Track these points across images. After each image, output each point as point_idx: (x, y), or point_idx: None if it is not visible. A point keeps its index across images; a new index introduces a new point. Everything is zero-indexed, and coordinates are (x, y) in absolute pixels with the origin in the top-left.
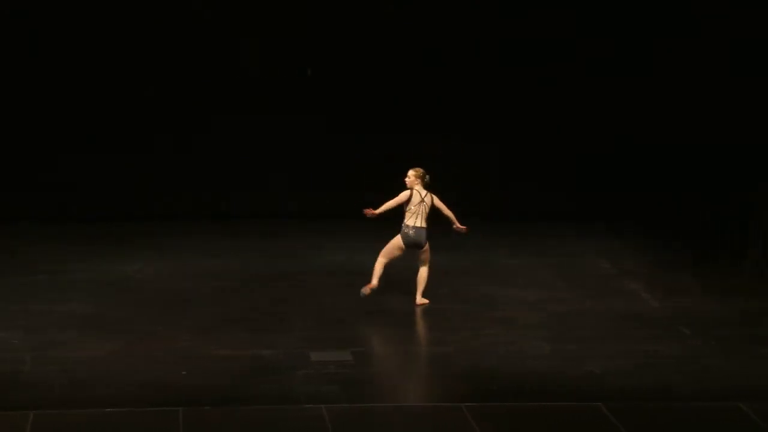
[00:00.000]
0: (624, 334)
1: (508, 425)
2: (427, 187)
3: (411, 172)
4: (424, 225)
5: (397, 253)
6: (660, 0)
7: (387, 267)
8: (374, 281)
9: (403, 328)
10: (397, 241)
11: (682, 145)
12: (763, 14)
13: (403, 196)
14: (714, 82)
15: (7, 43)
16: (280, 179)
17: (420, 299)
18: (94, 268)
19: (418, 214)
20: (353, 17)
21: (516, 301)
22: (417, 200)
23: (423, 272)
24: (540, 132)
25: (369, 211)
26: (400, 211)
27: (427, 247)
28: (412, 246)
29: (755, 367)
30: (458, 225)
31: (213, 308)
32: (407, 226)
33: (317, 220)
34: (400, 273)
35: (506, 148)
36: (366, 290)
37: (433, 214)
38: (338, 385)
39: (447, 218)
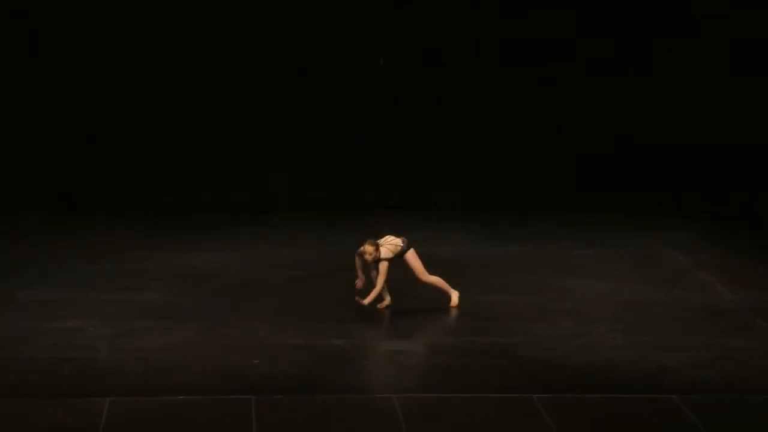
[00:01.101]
0: (698, 327)
1: (579, 417)
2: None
3: (369, 248)
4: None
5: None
6: (660, 0)
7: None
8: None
9: (472, 320)
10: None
11: (681, 145)
12: (763, 14)
13: (385, 267)
14: (714, 82)
15: (7, 43)
16: (354, 171)
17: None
18: (167, 257)
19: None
20: (353, 17)
21: (587, 292)
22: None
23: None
24: (540, 132)
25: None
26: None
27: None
28: None
29: None
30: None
31: (285, 298)
32: None
33: (388, 211)
34: (472, 264)
35: (506, 147)
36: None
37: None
38: (408, 375)
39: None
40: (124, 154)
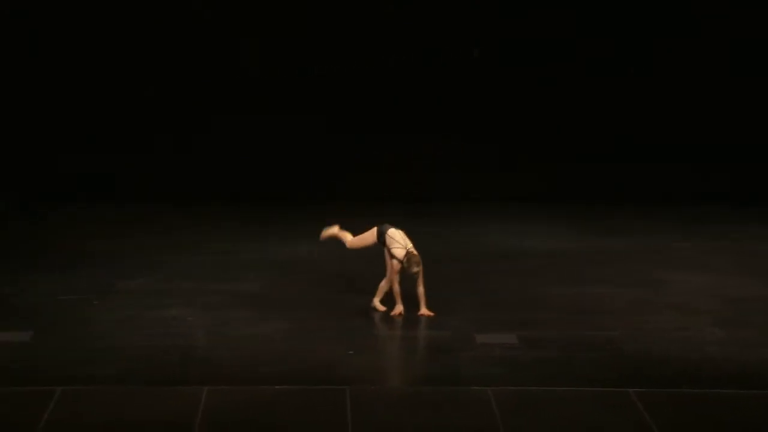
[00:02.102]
0: None
1: (677, 412)
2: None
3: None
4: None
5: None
6: (660, 0)
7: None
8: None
9: (568, 313)
10: None
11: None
12: (763, 14)
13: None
14: (714, 82)
15: (7, 43)
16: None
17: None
18: (265, 248)
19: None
20: (353, 17)
21: (688, 285)
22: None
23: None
24: (540, 132)
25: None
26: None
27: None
28: None
29: None
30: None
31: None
32: None
33: (479, 203)
34: (569, 257)
35: (506, 147)
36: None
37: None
38: (504, 367)
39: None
40: (216, 146)
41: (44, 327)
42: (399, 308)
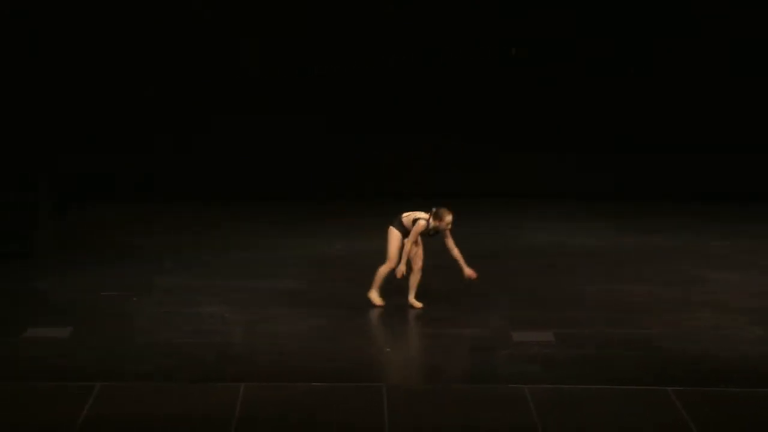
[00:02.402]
0: None
1: (716, 411)
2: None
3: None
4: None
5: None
6: (660, 0)
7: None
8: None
9: (605, 311)
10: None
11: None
12: (763, 14)
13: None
14: (714, 82)
15: (7, 43)
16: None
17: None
18: (301, 245)
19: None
20: (353, 17)
21: (727, 283)
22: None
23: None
24: (540, 132)
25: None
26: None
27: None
28: None
29: None
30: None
31: (419, 286)
32: None
33: (515, 199)
34: (609, 254)
35: (506, 148)
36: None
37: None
38: (541, 365)
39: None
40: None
41: (83, 323)
42: (402, 269)
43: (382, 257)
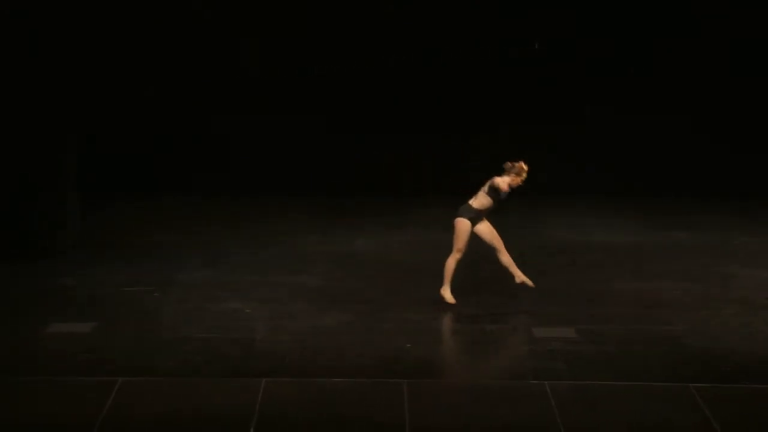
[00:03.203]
0: None
1: (740, 408)
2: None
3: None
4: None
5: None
6: (660, 0)
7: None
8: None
9: (629, 307)
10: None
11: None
12: (763, 14)
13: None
14: (714, 82)
15: (7, 43)
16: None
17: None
18: (325, 241)
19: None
20: (353, 17)
21: (752, 280)
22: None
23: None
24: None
25: None
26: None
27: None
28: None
29: None
30: None
31: (440, 282)
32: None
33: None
34: (634, 251)
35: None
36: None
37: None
38: (562, 361)
39: None
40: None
41: (106, 318)
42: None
43: (407, 252)
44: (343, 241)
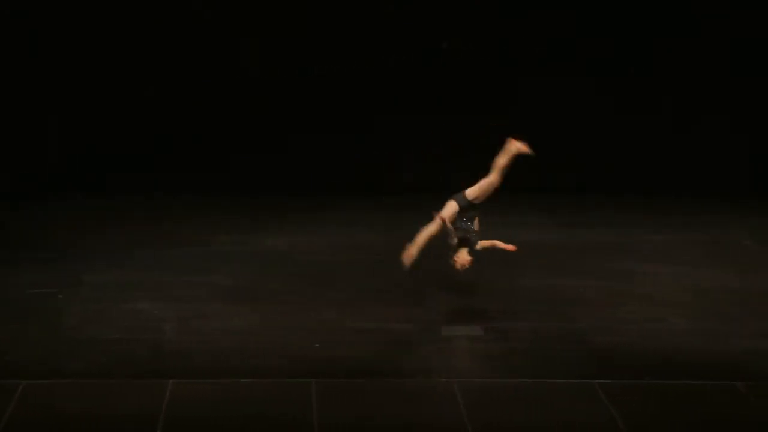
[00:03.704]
0: (766, 313)
1: (642, 403)
2: None
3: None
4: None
5: None
6: (660, 0)
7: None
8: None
9: (535, 304)
10: None
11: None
12: (763, 14)
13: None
14: (714, 82)
15: (7, 43)
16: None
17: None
18: (239, 240)
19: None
20: (353, 17)
21: (656, 277)
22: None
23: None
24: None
25: None
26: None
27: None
28: None
29: None
30: None
31: (353, 281)
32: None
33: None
34: (538, 249)
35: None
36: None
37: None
38: (470, 359)
39: None
40: (188, 138)
41: (10, 321)
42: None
43: (320, 253)
44: (255, 241)
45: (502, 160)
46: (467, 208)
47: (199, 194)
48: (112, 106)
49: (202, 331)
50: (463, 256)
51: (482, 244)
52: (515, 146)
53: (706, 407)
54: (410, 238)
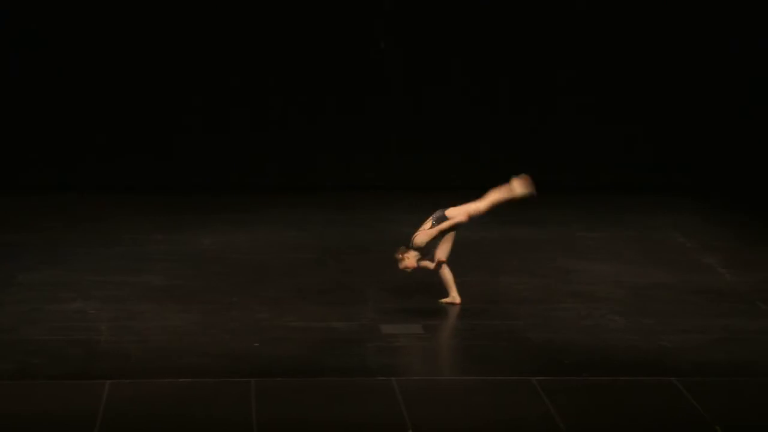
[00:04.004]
0: (700, 309)
1: (579, 399)
2: None
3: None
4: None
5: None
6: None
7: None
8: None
9: (474, 302)
10: None
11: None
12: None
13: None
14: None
15: (6, 43)
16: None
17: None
18: (173, 239)
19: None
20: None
21: (592, 274)
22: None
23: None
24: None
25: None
26: None
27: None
28: None
29: None
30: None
31: (289, 280)
32: None
33: (393, 192)
34: (471, 246)
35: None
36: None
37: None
38: (409, 357)
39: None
40: (119, 134)
41: None
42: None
43: (255, 251)
44: (189, 240)
45: (497, 196)
46: (440, 221)
47: (133, 192)
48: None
49: (138, 330)
50: (411, 260)
51: (424, 263)
52: (519, 189)
53: (643, 403)
54: (344, 236)
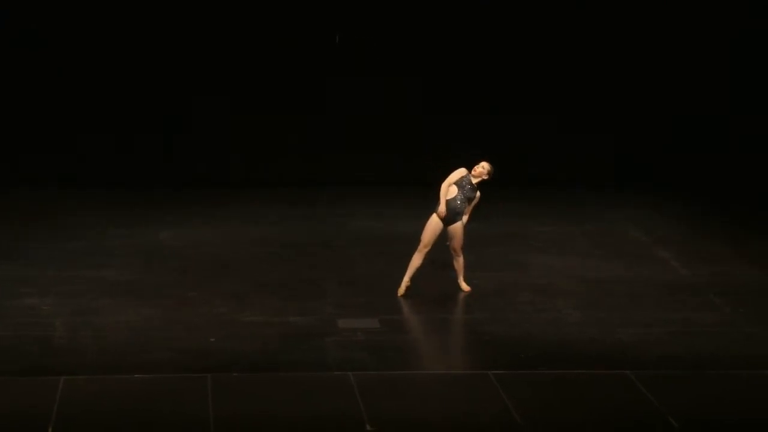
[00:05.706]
0: (655, 303)
1: (535, 393)
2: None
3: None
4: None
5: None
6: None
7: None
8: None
9: (431, 296)
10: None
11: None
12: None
13: (458, 173)
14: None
15: (6, 43)
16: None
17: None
18: (128, 235)
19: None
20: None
21: (548, 268)
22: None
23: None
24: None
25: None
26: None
27: (457, 231)
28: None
29: None
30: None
31: (247, 275)
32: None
33: (353, 187)
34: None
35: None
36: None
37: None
38: (366, 352)
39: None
40: (83, 132)
41: None
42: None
43: (213, 246)
44: (148, 235)
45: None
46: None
47: (91, 188)
48: None
49: (94, 326)
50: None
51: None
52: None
53: (598, 395)
54: (305, 231)
